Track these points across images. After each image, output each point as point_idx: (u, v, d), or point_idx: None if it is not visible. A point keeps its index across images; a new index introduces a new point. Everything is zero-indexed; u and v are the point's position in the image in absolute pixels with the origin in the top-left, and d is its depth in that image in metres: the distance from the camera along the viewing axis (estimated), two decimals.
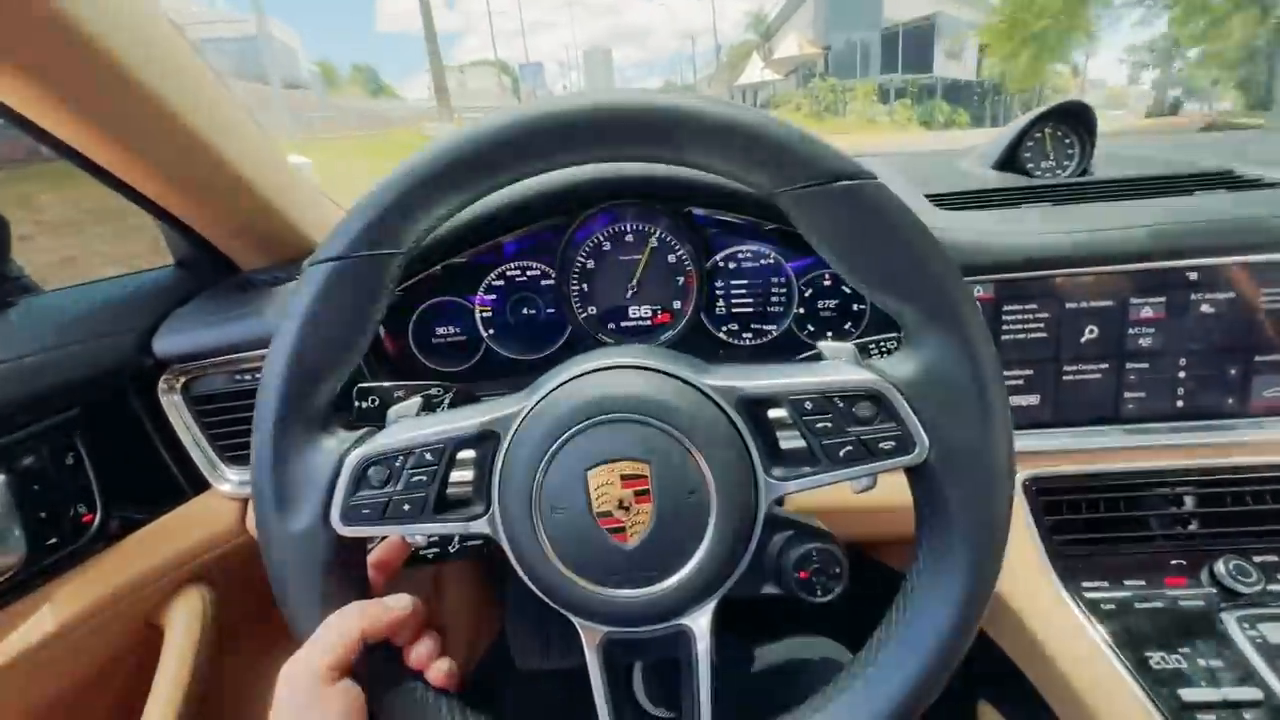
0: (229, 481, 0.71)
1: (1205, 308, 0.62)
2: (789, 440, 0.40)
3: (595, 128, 0.37)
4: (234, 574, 0.71)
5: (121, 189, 0.65)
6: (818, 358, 0.43)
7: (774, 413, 0.39)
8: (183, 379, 0.69)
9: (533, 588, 0.40)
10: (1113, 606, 0.58)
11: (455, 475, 0.41)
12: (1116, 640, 0.55)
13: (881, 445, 0.37)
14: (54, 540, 0.55)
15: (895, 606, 0.39)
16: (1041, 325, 0.64)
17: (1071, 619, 0.57)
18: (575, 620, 0.40)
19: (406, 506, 0.39)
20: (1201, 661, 0.53)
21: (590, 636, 0.40)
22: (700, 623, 0.39)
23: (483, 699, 0.44)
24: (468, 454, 0.41)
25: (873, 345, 0.58)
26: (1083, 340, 0.64)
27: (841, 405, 0.38)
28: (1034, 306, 0.64)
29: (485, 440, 0.40)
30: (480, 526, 0.40)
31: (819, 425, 0.38)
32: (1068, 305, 0.63)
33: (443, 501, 0.40)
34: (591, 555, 0.38)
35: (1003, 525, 0.37)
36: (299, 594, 0.39)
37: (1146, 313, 0.63)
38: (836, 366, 0.40)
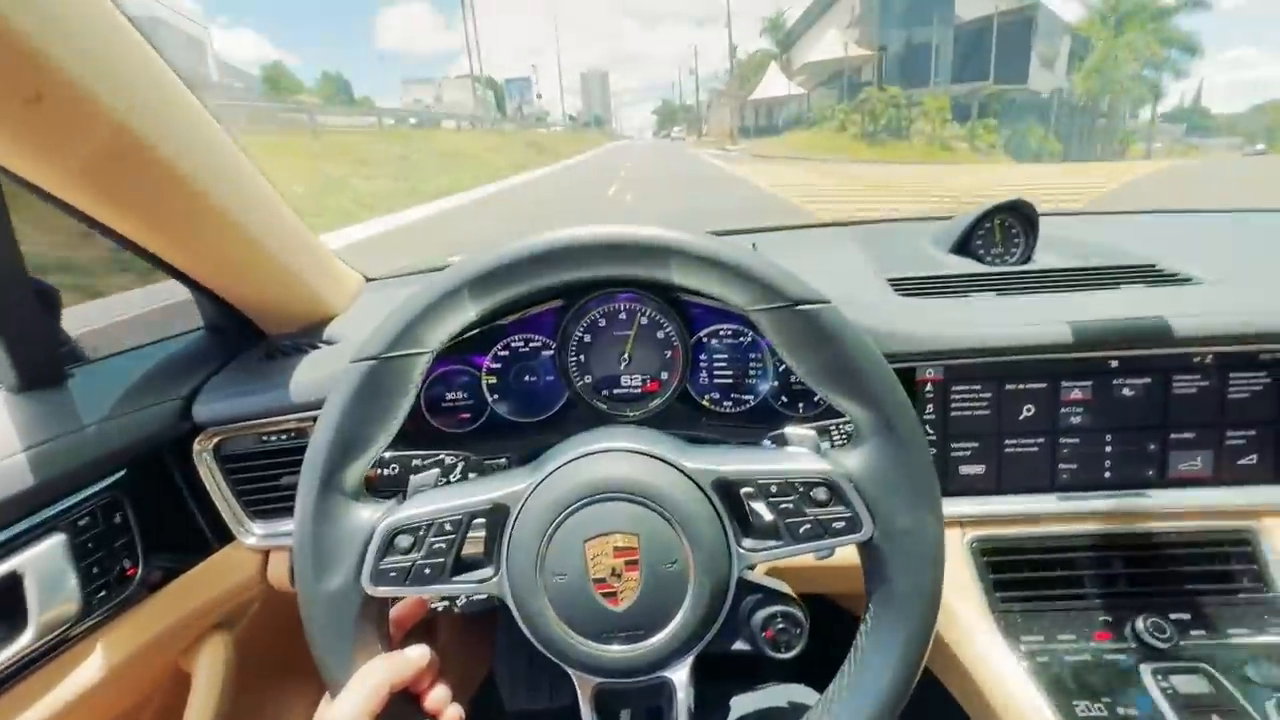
0: (253, 535, 0.77)
1: (1126, 391, 0.71)
2: (758, 513, 0.47)
3: (600, 256, 0.45)
4: (254, 621, 0.76)
5: (151, 259, 0.72)
6: (783, 440, 0.50)
7: (744, 491, 0.47)
8: (214, 440, 0.76)
9: (534, 642, 0.47)
10: (1047, 658, 0.65)
11: (470, 543, 0.48)
12: (1048, 689, 0.62)
13: (835, 524, 0.45)
14: (103, 593, 0.61)
15: (848, 660, 0.46)
16: (985, 404, 0.73)
17: (1010, 668, 0.65)
18: (570, 672, 0.47)
19: (428, 570, 0.46)
20: (1120, 710, 0.60)
21: (584, 686, 0.47)
22: (680, 675, 0.46)
23: None
24: (480, 524, 0.48)
25: (834, 428, 0.66)
26: (1021, 417, 0.73)
27: (801, 490, 0.45)
28: (979, 387, 0.72)
29: (497, 511, 0.48)
30: (491, 588, 0.47)
31: (782, 506, 0.45)
32: (1008, 386, 0.72)
33: (459, 565, 0.47)
34: (587, 616, 0.45)
35: (933, 597, 0.45)
36: (332, 645, 0.45)
37: (1075, 394, 0.72)
38: (798, 455, 0.48)
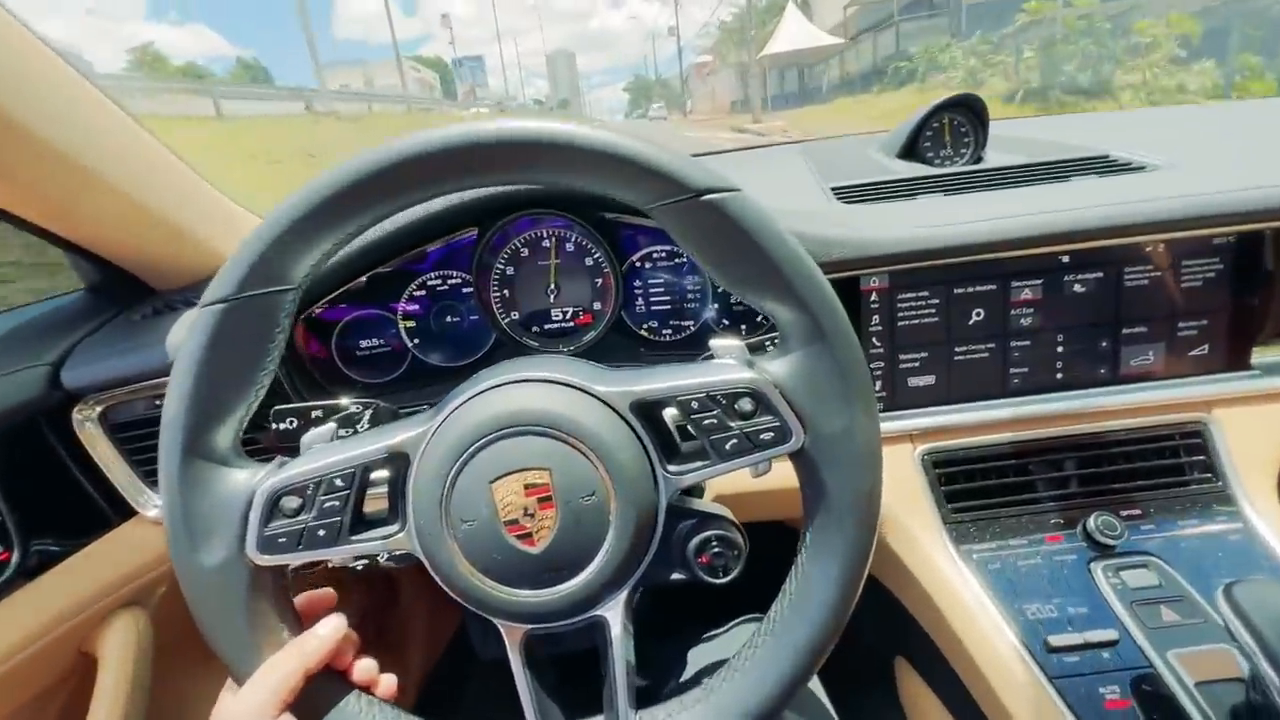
0: (155, 506, 0.71)
1: (1077, 288, 0.68)
2: (682, 437, 0.43)
3: (470, 158, 0.38)
4: (167, 598, 0.71)
5: (16, 223, 0.64)
6: (709, 356, 0.46)
7: (667, 412, 0.42)
8: (99, 408, 0.68)
9: (451, 595, 0.43)
10: (998, 565, 0.63)
11: (372, 495, 0.43)
12: (998, 595, 0.61)
13: (762, 436, 0.40)
14: None
15: (789, 577, 0.43)
16: (933, 310, 0.69)
17: (962, 579, 0.63)
18: (496, 622, 0.43)
19: (322, 532, 0.41)
20: (1071, 609, 0.59)
21: (512, 635, 0.43)
22: (614, 613, 0.42)
23: (448, 691, 0.46)
24: (380, 478, 0.43)
25: (769, 342, 0.62)
26: (970, 323, 0.69)
27: (725, 403, 0.41)
28: (926, 294, 0.68)
29: (396, 460, 0.42)
30: (398, 544, 0.42)
31: (706, 422, 0.41)
32: (956, 291, 0.68)
33: (359, 522, 0.42)
34: (502, 561, 0.40)
35: (872, 501, 0.41)
36: (225, 627, 0.40)
37: (1026, 295, 0.68)
38: (720, 366, 0.43)
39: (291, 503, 0.41)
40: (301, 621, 0.43)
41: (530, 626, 0.43)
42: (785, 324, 0.41)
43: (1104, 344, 0.69)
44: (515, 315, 0.75)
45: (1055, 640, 0.56)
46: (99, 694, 0.61)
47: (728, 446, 0.41)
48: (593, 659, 0.47)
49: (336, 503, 0.41)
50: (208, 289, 0.40)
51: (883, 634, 0.78)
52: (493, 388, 0.43)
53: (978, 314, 0.69)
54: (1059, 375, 0.70)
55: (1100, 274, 0.67)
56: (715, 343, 0.45)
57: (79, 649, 0.64)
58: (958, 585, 0.63)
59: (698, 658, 0.77)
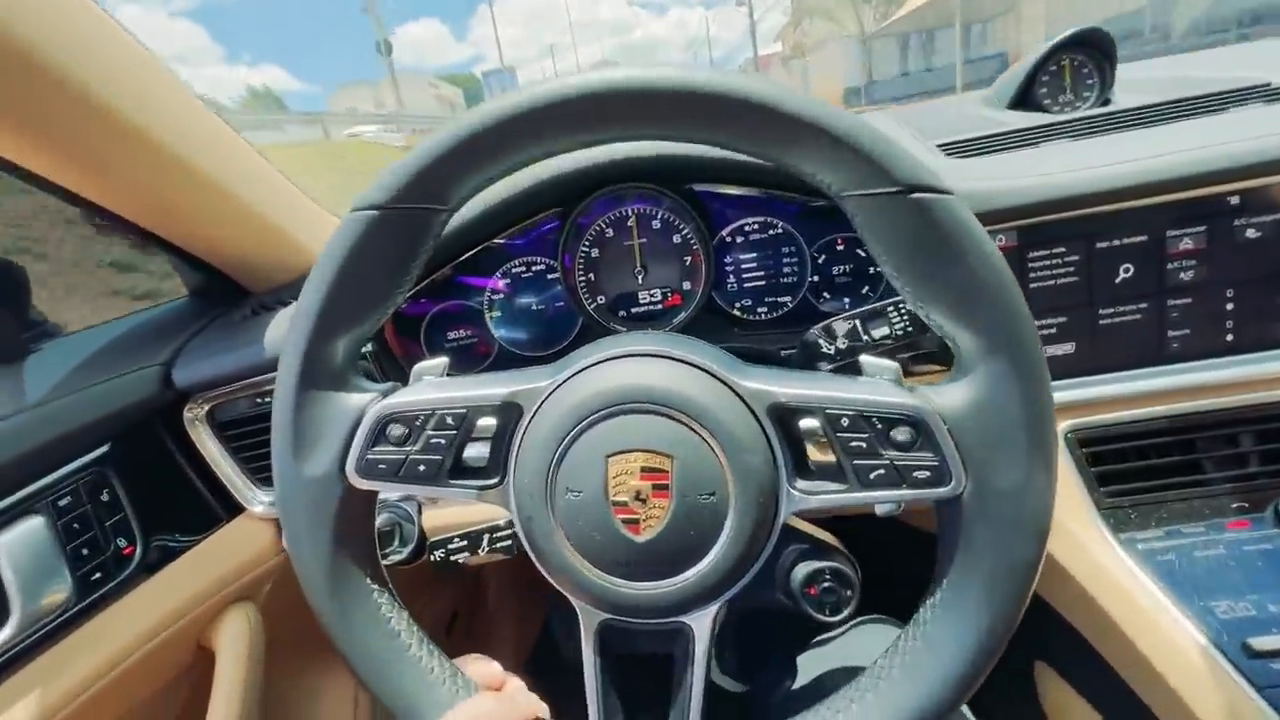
0: (262, 503, 0.72)
1: (1250, 233, 0.58)
2: (817, 453, 0.38)
3: (661, 104, 0.34)
4: (277, 592, 0.72)
5: (119, 223, 0.66)
6: (855, 369, 0.40)
7: (805, 423, 0.37)
8: (206, 406, 0.70)
9: (537, 564, 0.40)
10: (1170, 556, 0.55)
11: (473, 448, 0.40)
12: (1177, 592, 0.52)
13: (916, 474, 0.35)
14: (98, 575, 0.57)
15: (905, 635, 0.37)
16: (1072, 269, 0.61)
17: (1126, 573, 0.55)
18: (576, 603, 0.40)
19: (422, 467, 0.39)
20: (1272, 607, 0.50)
21: (588, 620, 0.40)
22: (702, 623, 0.39)
23: (535, 690, 0.44)
24: (488, 426, 0.40)
25: (891, 308, 0.56)
26: (1118, 281, 0.60)
27: (880, 427, 0.36)
28: (1062, 250, 0.60)
29: (508, 411, 0.40)
30: (493, 496, 0.40)
31: (853, 444, 0.36)
32: (1098, 245, 0.60)
33: (458, 467, 0.40)
34: (601, 542, 0.37)
35: (1031, 575, 0.35)
36: (309, 540, 0.39)
37: (1186, 244, 0.59)
38: (878, 385, 0.37)
39: (397, 431, 0.39)
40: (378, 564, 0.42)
41: (610, 616, 0.40)
42: (970, 351, 0.35)
43: None
44: (602, 299, 0.72)
45: (1258, 643, 0.48)
46: (218, 686, 0.63)
47: (872, 476, 0.36)
48: (660, 666, 0.44)
49: (442, 440, 0.39)
50: (362, 194, 0.38)
51: (1022, 636, 0.70)
52: (625, 356, 0.39)
53: (1126, 270, 0.60)
54: (1229, 337, 0.60)
55: (1279, 216, 0.58)
56: (868, 360, 0.40)
57: (198, 643, 0.66)
58: (1121, 580, 0.55)
59: (816, 658, 0.71)
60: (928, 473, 0.35)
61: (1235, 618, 0.50)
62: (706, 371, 0.38)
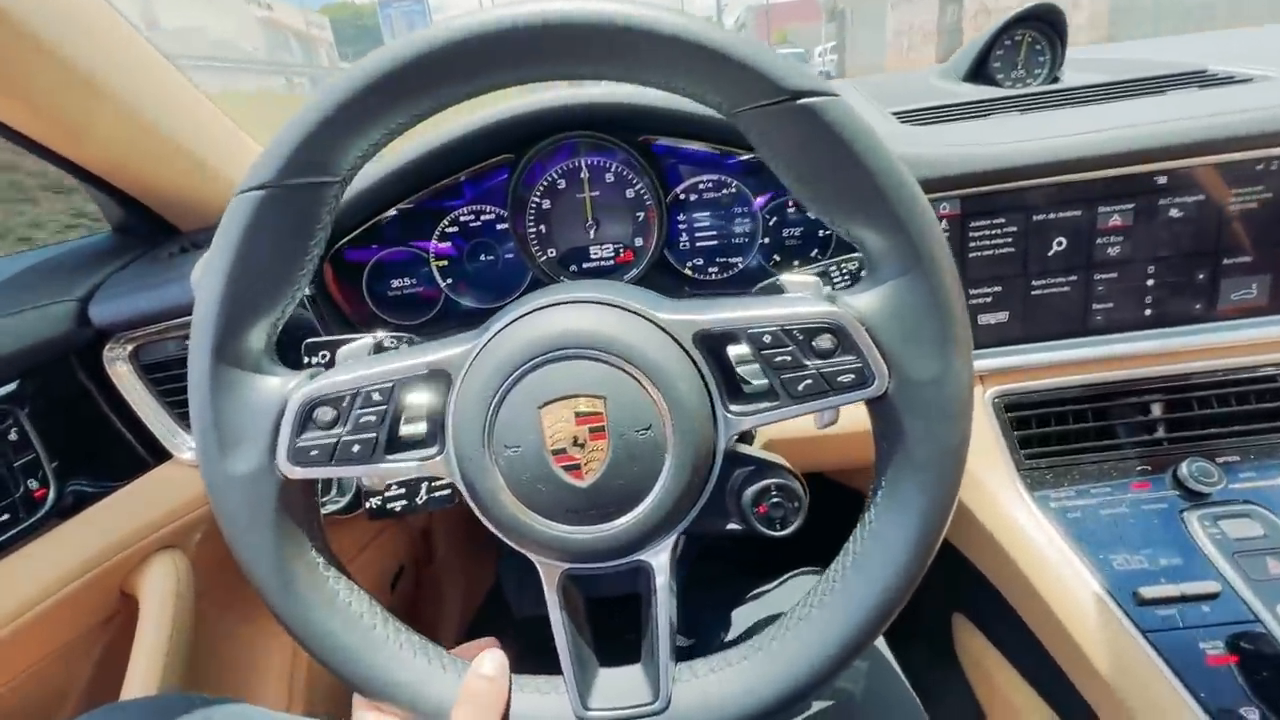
0: (190, 449, 0.69)
1: (1174, 212, 0.61)
2: (748, 376, 0.39)
3: (540, 39, 0.33)
4: (205, 541, 0.70)
5: (38, 150, 0.61)
6: (777, 289, 0.41)
7: (733, 349, 0.38)
8: (129, 347, 0.66)
9: (489, 527, 0.40)
10: (1079, 514, 0.58)
11: (409, 421, 0.40)
12: (1081, 546, 0.56)
13: (841, 379, 0.36)
14: (6, 517, 0.54)
15: (854, 536, 0.39)
16: (1009, 240, 0.63)
17: (1038, 529, 0.58)
18: (534, 559, 0.40)
19: (356, 448, 0.38)
20: (1163, 560, 0.54)
21: (549, 574, 0.40)
22: (660, 558, 0.39)
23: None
24: (419, 398, 0.40)
25: (834, 268, 0.57)
26: (1050, 253, 0.63)
27: (801, 339, 0.36)
28: (1001, 221, 0.62)
29: (436, 380, 0.39)
30: (435, 468, 0.40)
31: (778, 359, 0.37)
32: (1035, 218, 0.62)
33: (394, 443, 0.39)
34: (547, 493, 0.37)
35: (960, 457, 0.36)
36: (252, 539, 0.38)
37: (1115, 220, 0.61)
38: (797, 299, 0.38)
39: (326, 414, 0.38)
40: (329, 546, 0.41)
41: (570, 565, 0.40)
42: (877, 251, 0.36)
43: (1201, 276, 0.63)
44: (552, 252, 0.71)
45: (1147, 592, 0.52)
46: (141, 633, 0.61)
47: (800, 388, 0.37)
48: (630, 606, 0.45)
49: (372, 417, 0.38)
50: (246, 174, 0.36)
51: (940, 589, 0.74)
52: (545, 307, 0.39)
53: (1059, 243, 0.63)
54: (1148, 311, 0.64)
55: (1201, 196, 0.60)
56: (788, 278, 0.40)
57: (120, 589, 0.64)
58: (1033, 535, 0.58)
59: (738, 614, 0.74)
60: (852, 375, 0.36)
61: (1129, 569, 0.54)
62: (626, 309, 0.38)
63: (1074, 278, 0.63)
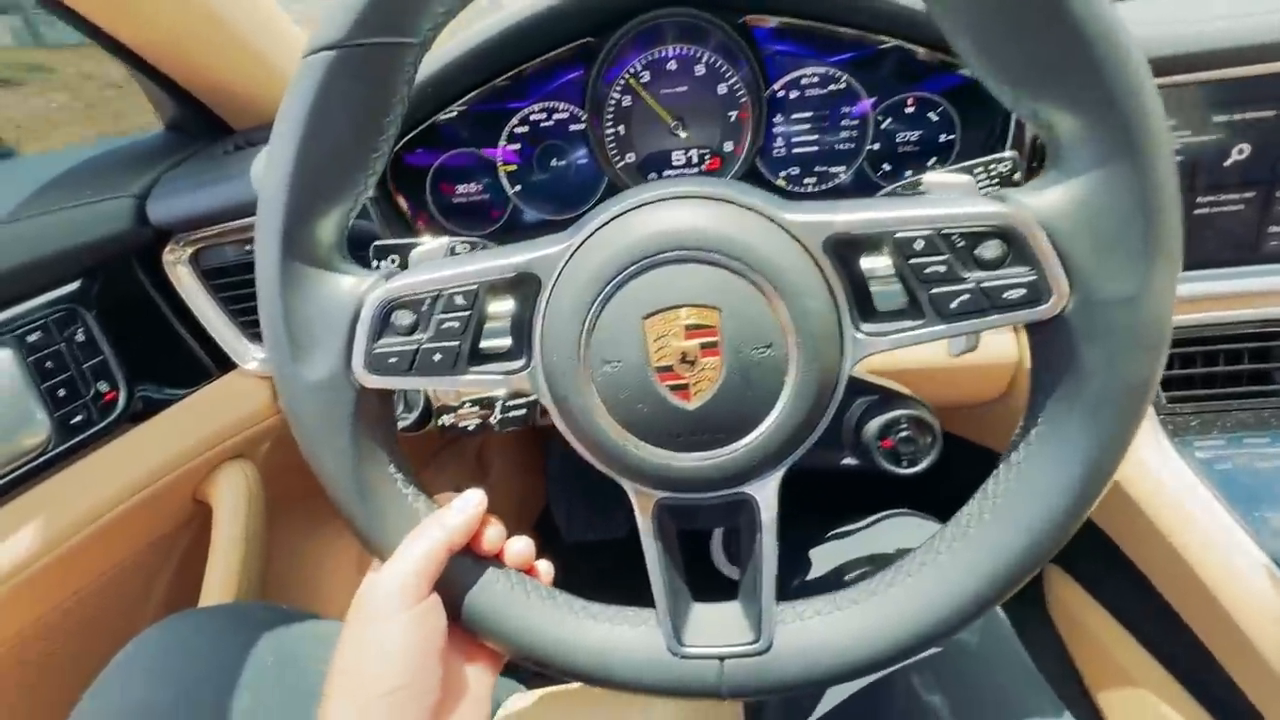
0: (255, 359, 0.67)
1: None
2: (883, 292, 0.32)
3: None
4: (275, 451, 0.69)
5: (96, 34, 0.57)
6: (915, 191, 0.34)
7: (868, 261, 0.32)
8: (189, 250, 0.63)
9: (580, 450, 0.36)
10: (1228, 466, 0.52)
11: (492, 329, 0.35)
12: (1232, 501, 0.49)
13: (1007, 295, 0.29)
14: (79, 419, 0.53)
15: (994, 477, 0.33)
16: (1178, 147, 0.53)
17: (1178, 481, 0.52)
18: (626, 485, 0.36)
19: (438, 356, 0.34)
20: None
21: (643, 502, 0.36)
22: (765, 492, 0.35)
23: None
24: (505, 304, 0.35)
25: (980, 169, 0.48)
26: (1226, 164, 0.53)
27: (961, 245, 0.30)
28: (1174, 122, 0.52)
29: (524, 284, 0.35)
30: (521, 381, 0.35)
31: (929, 270, 0.30)
32: (1215, 119, 0.52)
33: (477, 354, 0.35)
34: (648, 415, 0.33)
35: (1145, 397, 0.30)
36: (329, 452, 0.35)
37: None
38: (955, 198, 0.31)
39: (405, 318, 0.34)
40: (407, 460, 0.38)
41: (666, 494, 0.36)
42: (1072, 136, 0.28)
43: None
44: (632, 157, 0.64)
45: None
46: (216, 539, 0.61)
47: (954, 305, 0.30)
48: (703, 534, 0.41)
49: (455, 324, 0.34)
50: (314, 33, 0.31)
51: None
52: (650, 203, 0.33)
53: (1239, 151, 0.53)
54: None
55: None
56: (932, 178, 0.34)
57: (193, 496, 0.64)
58: (1172, 487, 0.52)
59: (818, 553, 0.70)
60: (1022, 290, 0.29)
61: None
62: (749, 207, 0.32)
63: (1251, 194, 0.54)
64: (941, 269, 0.30)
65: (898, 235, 0.30)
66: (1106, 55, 0.27)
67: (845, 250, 0.32)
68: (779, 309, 0.31)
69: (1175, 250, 0.29)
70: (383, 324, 0.34)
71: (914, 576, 0.34)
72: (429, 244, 0.39)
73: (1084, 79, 0.27)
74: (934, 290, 0.30)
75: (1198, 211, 0.55)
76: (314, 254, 0.34)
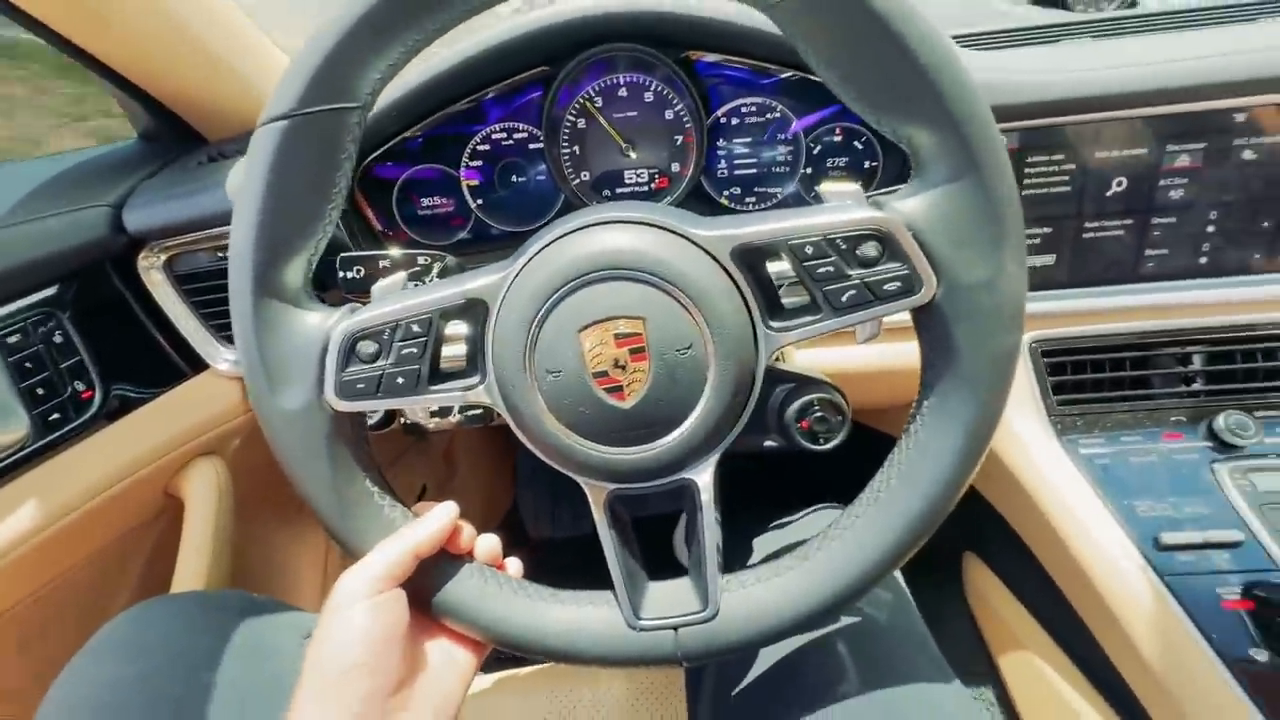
0: (226, 360, 0.70)
1: (1247, 154, 0.58)
2: (788, 293, 0.38)
3: None
4: (245, 449, 0.72)
5: (64, 45, 0.60)
6: (816, 201, 0.40)
7: (772, 265, 0.38)
8: (163, 256, 0.66)
9: (535, 452, 0.41)
10: (1106, 461, 0.58)
11: (449, 350, 0.40)
12: (1106, 491, 0.56)
13: (886, 287, 0.35)
14: (57, 416, 0.56)
15: (898, 448, 0.39)
16: (1066, 178, 0.60)
17: (1064, 474, 0.59)
18: (580, 480, 0.41)
19: (401, 380, 0.39)
20: (1188, 509, 0.54)
21: (595, 495, 0.41)
22: (704, 476, 0.40)
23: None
24: (458, 328, 0.40)
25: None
26: (1108, 194, 0.60)
27: (845, 247, 0.35)
28: (1060, 157, 0.59)
29: (473, 309, 0.39)
30: (478, 395, 0.40)
31: (820, 271, 0.36)
32: (1097, 155, 0.59)
33: (436, 373, 0.40)
34: (590, 416, 0.38)
35: (1009, 367, 0.36)
36: (309, 471, 0.39)
37: (1182, 161, 0.58)
38: (840, 207, 0.37)
39: (368, 348, 0.38)
40: (382, 472, 0.42)
41: (615, 486, 0.41)
42: (927, 151, 0.34)
43: (1265, 224, 0.60)
44: (586, 176, 0.69)
45: (1168, 538, 0.52)
46: (187, 532, 0.64)
47: (844, 299, 0.36)
48: (669, 525, 0.45)
49: (414, 349, 0.39)
50: (268, 105, 0.35)
51: (954, 527, 0.75)
52: (579, 229, 0.38)
53: (1119, 184, 0.60)
54: (1203, 260, 0.61)
55: (1278, 138, 0.57)
56: (827, 187, 0.39)
57: (165, 491, 0.67)
58: (1058, 479, 0.58)
59: (760, 542, 0.76)
60: (898, 283, 0.35)
61: (1153, 516, 0.54)
62: (663, 227, 0.37)
63: (1130, 221, 0.61)
64: (831, 269, 0.36)
65: (791, 242, 0.36)
66: (947, 85, 0.33)
67: (751, 258, 0.37)
68: (695, 314, 0.36)
69: (1019, 241, 0.35)
70: (349, 354, 0.38)
71: (838, 541, 0.39)
72: (387, 279, 0.43)
73: (929, 106, 0.33)
74: (827, 287, 0.36)
75: (1085, 235, 0.62)
76: (283, 295, 0.38)
